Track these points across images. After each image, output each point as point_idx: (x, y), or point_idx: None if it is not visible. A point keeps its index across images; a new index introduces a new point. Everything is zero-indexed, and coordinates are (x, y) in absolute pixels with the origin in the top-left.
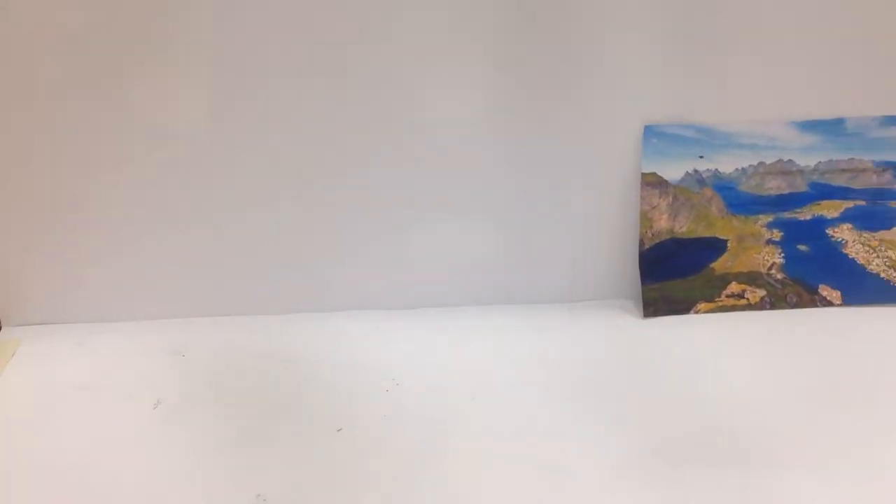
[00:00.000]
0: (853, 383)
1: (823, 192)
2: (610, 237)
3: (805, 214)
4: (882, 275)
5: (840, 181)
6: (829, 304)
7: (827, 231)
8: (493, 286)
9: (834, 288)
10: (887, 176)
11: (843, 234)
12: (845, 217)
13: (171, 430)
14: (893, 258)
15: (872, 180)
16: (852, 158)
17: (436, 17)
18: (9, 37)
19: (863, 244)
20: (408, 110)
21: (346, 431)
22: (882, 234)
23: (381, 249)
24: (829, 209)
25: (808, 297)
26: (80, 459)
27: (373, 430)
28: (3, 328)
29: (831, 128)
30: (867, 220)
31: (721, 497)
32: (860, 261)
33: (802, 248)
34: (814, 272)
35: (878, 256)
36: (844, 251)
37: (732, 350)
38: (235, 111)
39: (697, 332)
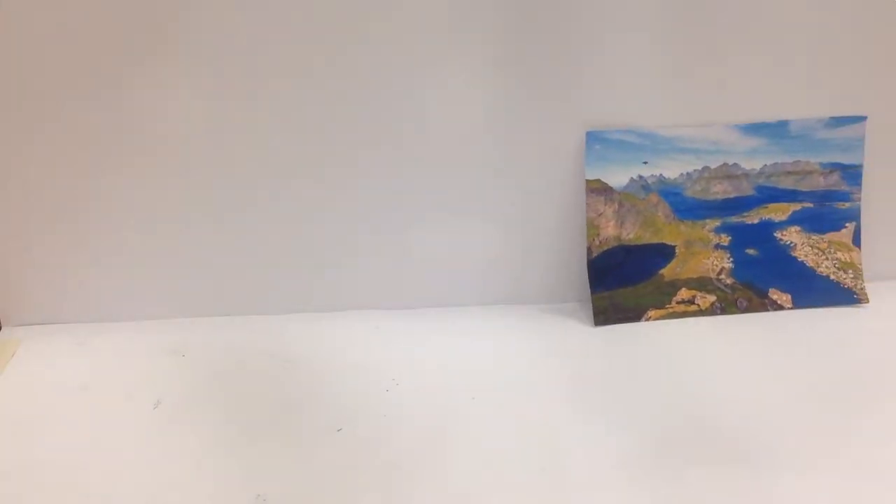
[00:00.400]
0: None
1: (770, 195)
2: None
3: (752, 218)
4: (832, 276)
5: (787, 184)
6: (780, 307)
7: (775, 234)
8: (493, 286)
9: (784, 291)
10: (834, 177)
11: (792, 236)
12: (793, 220)
13: (172, 431)
14: (843, 260)
15: (819, 182)
16: (798, 161)
17: (436, 17)
18: (10, 37)
19: (811, 247)
20: (408, 110)
21: (345, 431)
22: (831, 235)
23: (381, 249)
24: (777, 212)
25: (759, 301)
26: (80, 459)
27: (372, 430)
28: (3, 328)
29: (775, 130)
30: (815, 222)
31: (721, 495)
32: (809, 263)
33: (751, 251)
34: (763, 276)
35: (827, 258)
36: (793, 254)
37: (725, 353)
38: (235, 111)
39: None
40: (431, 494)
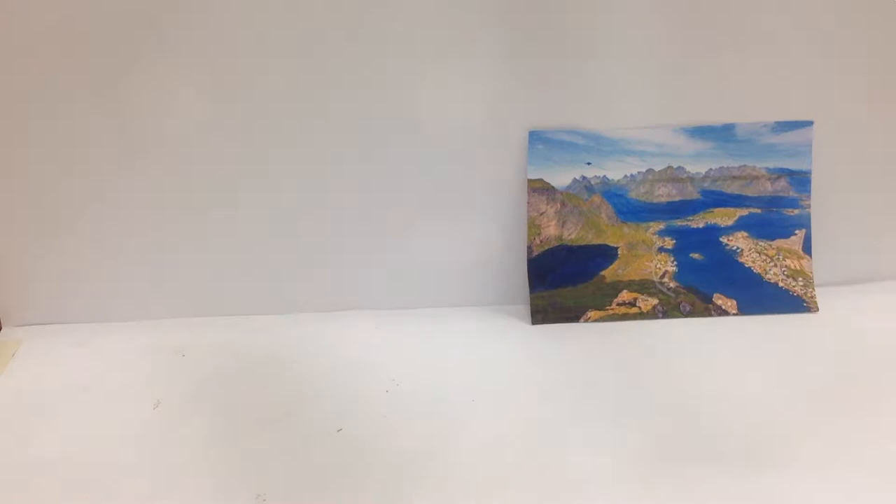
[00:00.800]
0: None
1: (716, 199)
2: None
3: (698, 222)
4: (780, 284)
5: (733, 189)
6: (725, 312)
7: (721, 239)
8: (494, 286)
9: (729, 297)
10: (781, 183)
11: (738, 242)
12: (740, 225)
13: (172, 430)
14: (792, 267)
15: (767, 188)
16: (744, 165)
17: (436, 17)
18: (10, 37)
19: (759, 253)
20: (408, 110)
21: (346, 432)
22: (779, 242)
23: (382, 249)
24: (723, 217)
25: (703, 306)
26: (81, 459)
27: (372, 430)
28: (3, 328)
29: (721, 134)
30: (763, 228)
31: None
32: (757, 270)
33: (696, 256)
34: (708, 281)
35: (775, 265)
36: (740, 260)
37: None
38: (236, 112)
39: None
40: (431, 494)
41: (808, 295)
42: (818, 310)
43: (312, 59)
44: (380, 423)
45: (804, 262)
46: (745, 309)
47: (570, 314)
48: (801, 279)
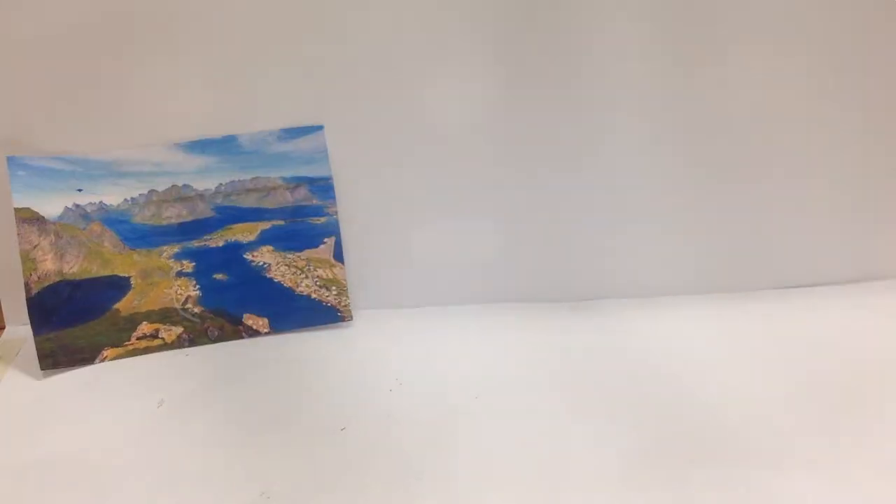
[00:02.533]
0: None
1: (234, 215)
2: None
3: (217, 241)
4: (313, 295)
5: (250, 202)
6: (257, 333)
7: (245, 256)
8: (496, 285)
9: (260, 315)
10: (302, 192)
11: (264, 257)
12: (263, 239)
13: (175, 429)
14: (324, 276)
15: (287, 198)
16: (257, 177)
17: (439, 14)
18: (11, 33)
19: (288, 266)
20: (409, 109)
21: (349, 430)
22: (308, 252)
23: (384, 248)
24: (243, 233)
25: (233, 329)
26: (84, 458)
27: (376, 429)
28: (7, 327)
29: (223, 147)
30: (289, 240)
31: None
32: (287, 283)
33: (220, 276)
34: (236, 301)
35: (307, 277)
36: (269, 275)
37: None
38: (236, 109)
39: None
40: (434, 493)
41: (342, 304)
42: (352, 318)
43: (330, 50)
44: None
45: (336, 269)
46: (277, 326)
47: (84, 355)
48: (334, 288)
